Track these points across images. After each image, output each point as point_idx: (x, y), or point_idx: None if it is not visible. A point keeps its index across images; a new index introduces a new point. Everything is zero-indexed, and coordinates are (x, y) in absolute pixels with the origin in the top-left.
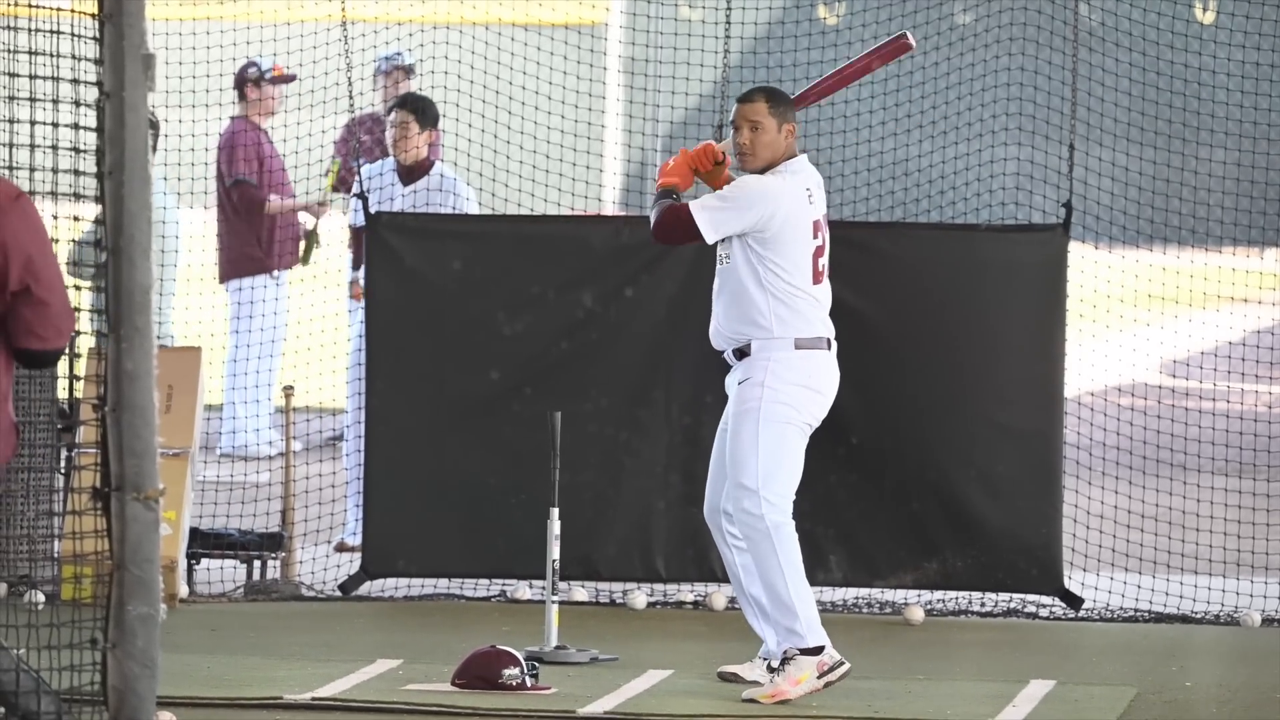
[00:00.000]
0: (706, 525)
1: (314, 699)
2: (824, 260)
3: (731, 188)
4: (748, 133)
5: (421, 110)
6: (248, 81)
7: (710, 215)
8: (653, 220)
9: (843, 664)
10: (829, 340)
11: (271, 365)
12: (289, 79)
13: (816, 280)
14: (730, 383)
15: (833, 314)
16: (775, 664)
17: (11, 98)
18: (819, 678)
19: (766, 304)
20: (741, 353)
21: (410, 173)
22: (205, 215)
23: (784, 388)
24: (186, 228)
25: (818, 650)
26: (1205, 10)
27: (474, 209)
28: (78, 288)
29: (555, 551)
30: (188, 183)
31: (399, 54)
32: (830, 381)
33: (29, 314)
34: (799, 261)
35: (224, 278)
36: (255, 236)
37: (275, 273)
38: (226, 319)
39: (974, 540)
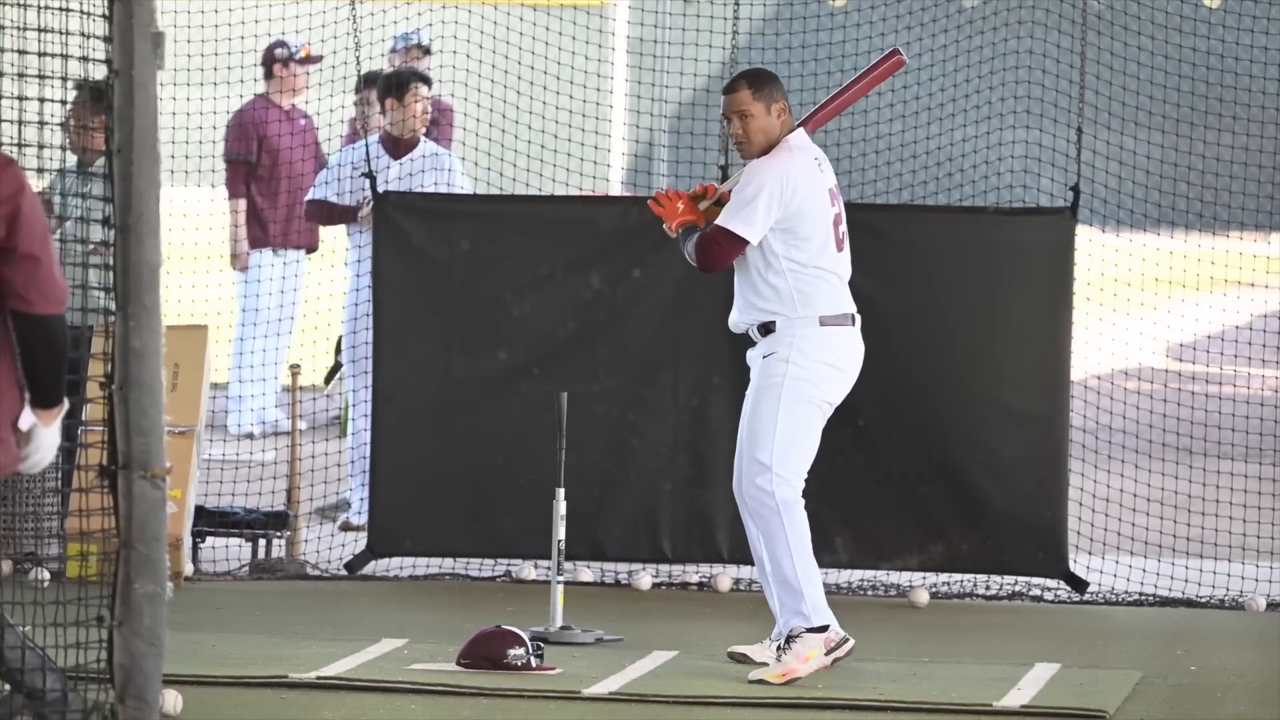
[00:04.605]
0: (713, 506)
1: (319, 678)
2: (843, 228)
3: (744, 186)
4: (738, 123)
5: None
6: (276, 61)
7: (742, 220)
8: (693, 257)
9: (848, 640)
10: (853, 316)
11: (279, 344)
12: (316, 60)
13: (839, 248)
14: (753, 356)
15: None
16: (782, 643)
17: (21, 75)
18: (827, 654)
19: (788, 283)
20: (766, 328)
21: (399, 147)
22: (213, 194)
23: (809, 364)
24: (196, 206)
25: (823, 629)
26: None
27: (462, 180)
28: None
29: (561, 532)
30: (195, 160)
31: (415, 32)
32: (853, 359)
33: (14, 274)
34: (820, 231)
35: None
36: (255, 212)
37: (278, 249)
38: (234, 296)
39: (980, 523)
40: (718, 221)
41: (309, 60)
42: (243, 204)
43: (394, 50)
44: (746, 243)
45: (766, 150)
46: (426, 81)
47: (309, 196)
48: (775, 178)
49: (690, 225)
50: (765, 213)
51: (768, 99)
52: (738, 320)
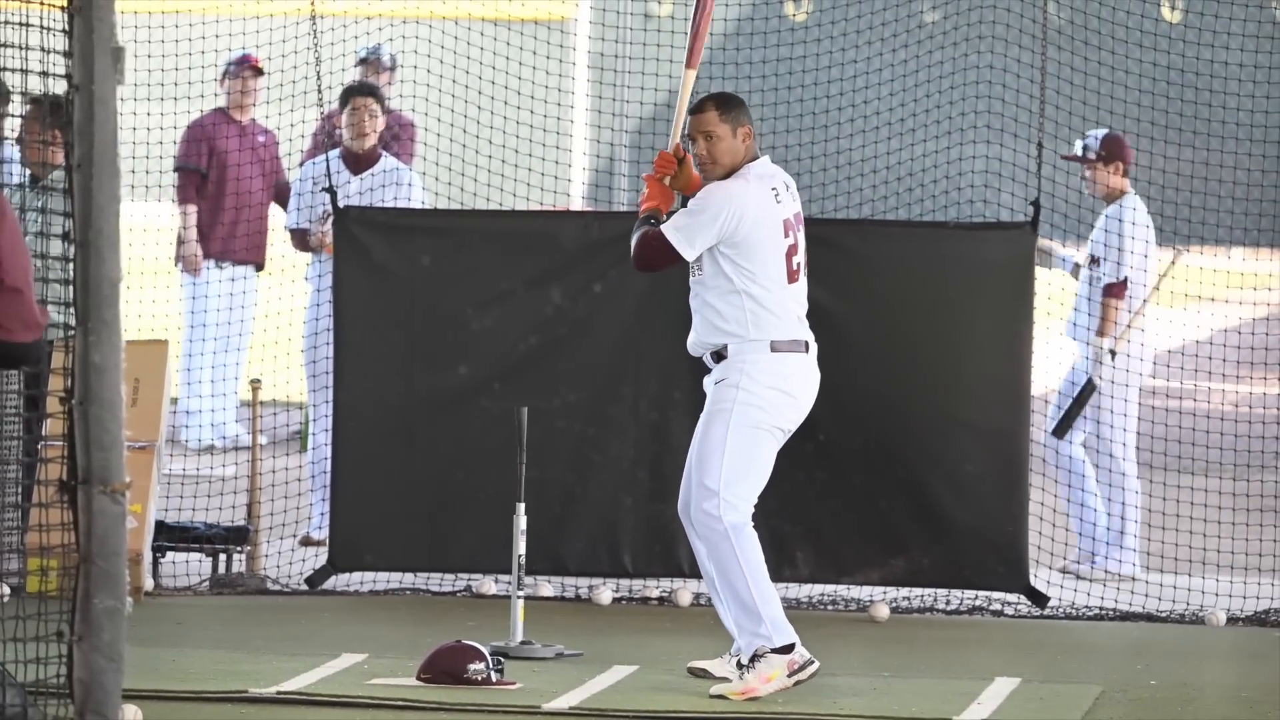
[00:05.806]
0: (673, 521)
1: (279, 693)
2: (799, 259)
3: (696, 200)
4: (704, 143)
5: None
6: (221, 76)
7: (682, 233)
8: (632, 253)
9: (812, 663)
10: (807, 344)
11: (238, 359)
12: (254, 72)
13: (792, 279)
14: (708, 383)
15: None
16: (745, 660)
17: None
18: (789, 675)
19: (740, 309)
20: (719, 355)
21: (359, 162)
22: (173, 209)
23: (758, 390)
24: (156, 220)
25: (788, 649)
26: (1173, 9)
27: (421, 196)
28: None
29: (521, 547)
30: (155, 175)
31: (377, 47)
32: (807, 386)
33: None
34: (771, 263)
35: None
36: (199, 223)
37: (220, 262)
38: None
39: (940, 538)
40: (662, 227)
41: (243, 72)
42: (193, 210)
43: (360, 62)
44: (680, 256)
45: (730, 173)
46: (372, 94)
47: (287, 225)
48: (725, 203)
49: (651, 214)
50: (705, 233)
51: (734, 122)
52: (694, 343)
